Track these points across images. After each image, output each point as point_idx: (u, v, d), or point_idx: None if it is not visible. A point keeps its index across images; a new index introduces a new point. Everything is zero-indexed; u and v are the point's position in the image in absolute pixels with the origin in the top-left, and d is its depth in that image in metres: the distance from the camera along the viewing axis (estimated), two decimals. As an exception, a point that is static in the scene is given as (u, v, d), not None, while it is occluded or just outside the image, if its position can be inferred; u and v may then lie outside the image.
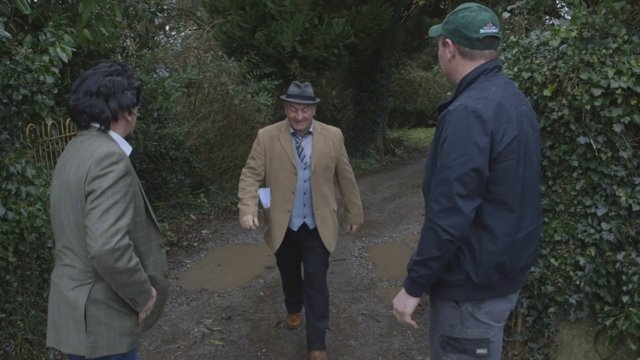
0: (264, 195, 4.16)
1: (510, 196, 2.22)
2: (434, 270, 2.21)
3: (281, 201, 4.15)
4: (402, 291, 2.36)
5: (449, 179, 2.13)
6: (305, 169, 4.13)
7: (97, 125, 2.40)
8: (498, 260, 2.24)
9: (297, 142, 4.18)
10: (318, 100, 4.11)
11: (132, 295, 2.33)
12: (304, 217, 4.22)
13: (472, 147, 2.11)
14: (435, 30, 2.46)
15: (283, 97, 4.12)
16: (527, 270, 2.44)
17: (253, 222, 3.93)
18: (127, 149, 2.48)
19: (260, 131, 4.25)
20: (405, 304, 2.34)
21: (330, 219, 4.29)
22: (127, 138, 2.59)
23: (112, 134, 2.44)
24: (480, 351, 2.33)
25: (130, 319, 2.42)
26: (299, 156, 4.15)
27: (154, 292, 2.48)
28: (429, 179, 2.35)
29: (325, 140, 4.19)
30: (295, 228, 4.22)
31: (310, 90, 4.08)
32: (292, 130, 4.15)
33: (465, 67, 2.33)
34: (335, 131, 4.31)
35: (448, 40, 2.34)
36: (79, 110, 2.38)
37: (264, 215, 4.36)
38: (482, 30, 2.25)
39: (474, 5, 2.31)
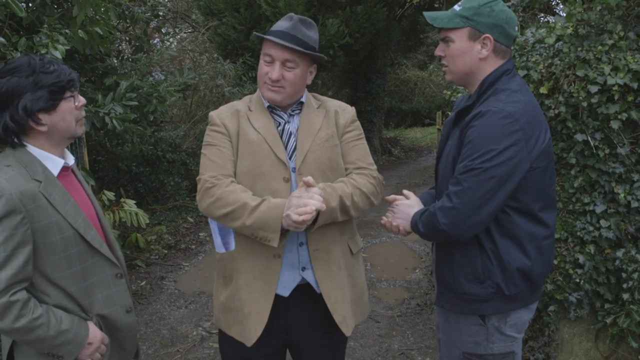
0: (220, 229, 2.43)
1: (538, 203, 2.13)
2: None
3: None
4: (408, 219, 2.30)
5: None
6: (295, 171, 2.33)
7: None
8: (528, 269, 2.15)
9: (279, 123, 2.36)
10: (320, 56, 2.31)
11: (46, 350, 1.93)
12: (302, 269, 2.31)
13: (502, 153, 1.99)
14: (448, 20, 2.16)
15: (257, 33, 2.28)
16: (547, 275, 2.39)
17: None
18: (55, 165, 2.01)
19: (213, 113, 2.40)
20: (401, 227, 2.33)
21: (344, 268, 2.37)
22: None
23: (33, 149, 1.97)
24: None
25: None
26: (286, 147, 2.34)
27: (92, 336, 2.02)
28: (446, 183, 2.21)
29: (326, 119, 2.39)
30: (287, 292, 2.32)
31: (310, 33, 2.28)
32: (266, 104, 2.36)
33: (492, 66, 2.16)
34: (341, 107, 2.49)
35: (489, 36, 2.11)
36: None
37: (218, 269, 2.50)
38: (516, 28, 2.15)
39: None
